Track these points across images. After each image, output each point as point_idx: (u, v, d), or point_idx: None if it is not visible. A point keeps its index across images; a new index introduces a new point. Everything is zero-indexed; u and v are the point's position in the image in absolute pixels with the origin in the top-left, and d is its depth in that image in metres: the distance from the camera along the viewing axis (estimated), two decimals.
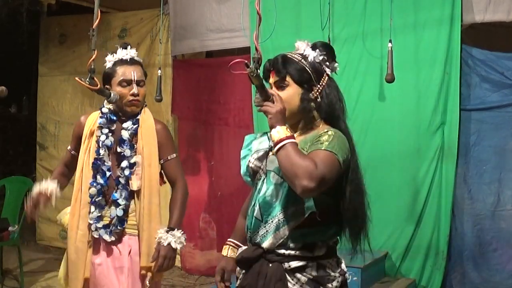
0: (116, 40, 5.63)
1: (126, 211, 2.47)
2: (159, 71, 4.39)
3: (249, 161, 1.99)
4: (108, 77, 2.53)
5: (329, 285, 1.84)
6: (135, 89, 2.49)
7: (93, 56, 2.20)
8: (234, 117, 5.08)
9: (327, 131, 1.82)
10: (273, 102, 1.80)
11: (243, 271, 1.95)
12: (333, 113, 1.93)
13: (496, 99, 3.87)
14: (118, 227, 2.47)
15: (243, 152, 2.06)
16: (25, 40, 6.58)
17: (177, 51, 5.37)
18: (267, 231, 1.85)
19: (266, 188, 1.88)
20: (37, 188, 2.51)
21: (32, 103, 7.21)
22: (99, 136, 2.52)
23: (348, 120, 2.03)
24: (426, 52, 3.99)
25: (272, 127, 1.76)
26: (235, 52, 4.94)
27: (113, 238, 2.47)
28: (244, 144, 2.08)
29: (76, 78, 2.28)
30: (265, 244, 1.85)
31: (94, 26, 2.19)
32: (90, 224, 2.48)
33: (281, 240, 1.83)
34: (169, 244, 2.44)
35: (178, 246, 2.47)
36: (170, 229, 2.49)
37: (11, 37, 6.78)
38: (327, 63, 1.96)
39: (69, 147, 2.70)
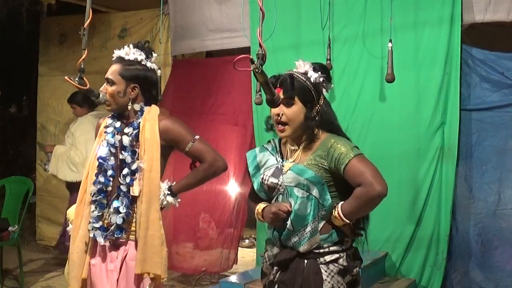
0: (116, 40, 5.64)
1: (125, 220, 2.42)
2: (159, 71, 4.37)
3: (263, 178, 2.17)
4: None
5: (354, 271, 2.11)
6: (102, 87, 2.47)
7: (83, 56, 2.19)
8: (233, 117, 5.08)
9: (333, 142, 2.06)
10: (279, 99, 2.02)
11: (276, 268, 2.17)
12: (333, 126, 2.16)
13: (496, 99, 3.87)
14: (115, 235, 2.42)
15: (251, 170, 2.24)
16: (25, 40, 6.58)
17: (177, 51, 5.37)
18: (299, 238, 2.08)
19: (293, 202, 2.08)
20: None
21: (32, 103, 7.21)
22: (106, 136, 2.50)
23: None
24: (426, 52, 3.99)
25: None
26: (235, 52, 4.93)
27: (107, 243, 2.43)
28: (248, 161, 2.25)
29: (66, 77, 2.27)
30: (301, 249, 2.08)
31: (85, 26, 2.19)
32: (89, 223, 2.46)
33: (316, 244, 2.07)
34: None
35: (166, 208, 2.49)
36: (170, 193, 2.48)
37: (11, 37, 6.78)
38: (324, 84, 2.15)
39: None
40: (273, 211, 2.10)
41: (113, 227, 2.42)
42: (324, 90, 2.16)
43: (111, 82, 2.46)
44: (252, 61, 1.81)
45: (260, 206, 2.19)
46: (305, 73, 2.12)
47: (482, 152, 3.91)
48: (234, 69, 1.99)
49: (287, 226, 2.08)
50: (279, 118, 2.09)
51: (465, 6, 3.88)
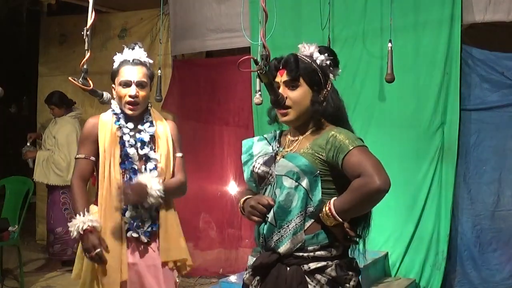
0: (116, 40, 5.64)
1: (158, 211, 2.51)
2: (159, 71, 4.38)
3: (254, 166, 1.96)
4: (112, 76, 2.56)
5: (347, 284, 1.83)
6: (132, 90, 2.47)
7: (86, 56, 2.20)
8: (233, 117, 5.08)
9: (335, 131, 1.85)
10: (283, 100, 1.86)
11: (257, 277, 1.93)
12: (341, 116, 1.95)
13: (496, 99, 3.87)
14: (153, 228, 2.50)
15: (244, 158, 2.03)
16: (25, 40, 6.58)
17: (177, 51, 5.38)
18: (282, 236, 1.82)
19: (279, 193, 1.84)
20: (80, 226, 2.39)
21: (32, 103, 7.20)
22: (122, 136, 2.51)
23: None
24: (426, 52, 3.99)
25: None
26: (235, 52, 4.94)
27: (148, 239, 2.50)
28: (243, 149, 2.06)
29: (70, 78, 2.28)
30: (282, 249, 1.83)
31: (88, 26, 2.19)
32: (126, 225, 2.47)
33: (299, 244, 1.81)
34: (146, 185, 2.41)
35: (154, 193, 2.41)
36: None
37: (11, 37, 6.78)
38: (331, 68, 1.96)
39: (81, 155, 2.53)
40: (251, 204, 1.88)
41: (150, 221, 2.50)
42: (331, 75, 1.95)
43: (144, 85, 2.52)
44: (256, 62, 1.76)
45: (244, 199, 1.98)
46: (310, 55, 1.93)
47: (481, 152, 3.91)
48: (235, 70, 1.98)
49: (269, 219, 1.84)
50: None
51: (465, 6, 3.88)
